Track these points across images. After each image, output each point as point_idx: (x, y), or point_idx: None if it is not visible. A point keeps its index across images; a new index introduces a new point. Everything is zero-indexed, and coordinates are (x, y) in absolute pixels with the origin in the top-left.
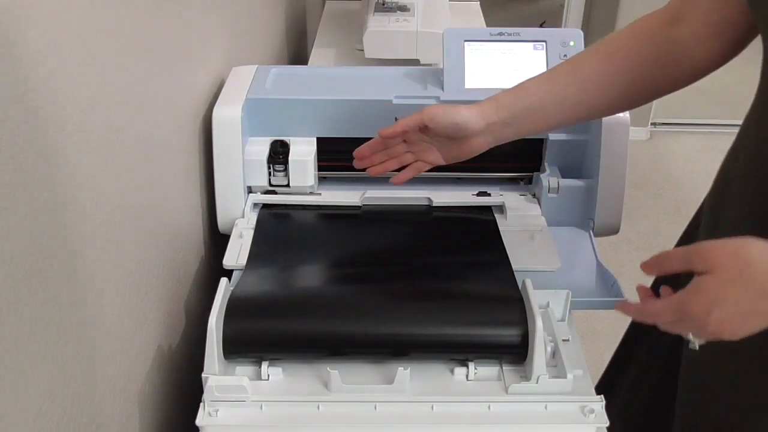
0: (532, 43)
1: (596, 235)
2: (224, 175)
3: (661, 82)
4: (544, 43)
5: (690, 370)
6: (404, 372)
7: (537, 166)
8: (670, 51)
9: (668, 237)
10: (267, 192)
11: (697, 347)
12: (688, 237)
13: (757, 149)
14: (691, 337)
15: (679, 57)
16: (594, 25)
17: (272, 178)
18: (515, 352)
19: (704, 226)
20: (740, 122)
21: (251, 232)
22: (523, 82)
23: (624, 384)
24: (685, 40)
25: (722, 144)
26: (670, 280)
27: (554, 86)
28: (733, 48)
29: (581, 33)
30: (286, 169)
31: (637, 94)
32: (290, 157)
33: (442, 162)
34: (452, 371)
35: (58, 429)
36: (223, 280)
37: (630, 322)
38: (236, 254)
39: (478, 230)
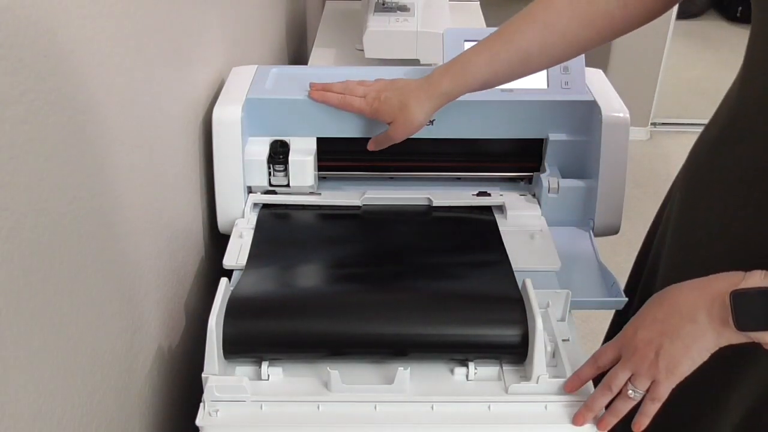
0: None
1: (596, 235)
2: (224, 175)
3: (597, 40)
4: None
5: None
6: (404, 372)
7: (537, 166)
8: (604, 15)
9: None
10: (267, 192)
11: (639, 394)
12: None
13: (735, 115)
14: (632, 391)
15: (612, 18)
16: None
17: (272, 178)
18: (515, 352)
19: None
20: None
21: (251, 232)
22: (463, 62)
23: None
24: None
25: None
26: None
27: (496, 64)
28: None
29: None
30: (286, 169)
31: (575, 52)
32: (290, 157)
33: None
34: (452, 371)
35: (58, 429)
36: (223, 280)
37: (610, 323)
38: (236, 254)
39: (478, 230)
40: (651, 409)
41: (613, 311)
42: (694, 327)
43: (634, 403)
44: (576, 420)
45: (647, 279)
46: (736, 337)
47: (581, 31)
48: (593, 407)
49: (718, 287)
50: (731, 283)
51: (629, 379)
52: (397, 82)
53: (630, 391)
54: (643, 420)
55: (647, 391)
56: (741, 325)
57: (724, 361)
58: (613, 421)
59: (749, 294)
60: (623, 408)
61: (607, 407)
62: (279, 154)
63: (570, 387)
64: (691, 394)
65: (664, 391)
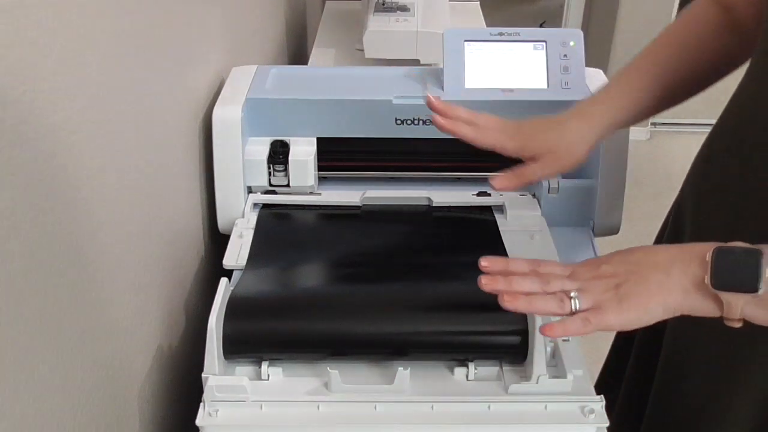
0: (532, 43)
1: (596, 235)
2: (224, 175)
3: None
4: (544, 43)
5: (669, 349)
6: (404, 372)
7: None
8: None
9: None
10: (267, 192)
11: (577, 307)
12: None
13: (748, 122)
14: (575, 299)
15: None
16: (594, 25)
17: (272, 178)
18: (515, 352)
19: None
20: None
21: (251, 232)
22: (622, 87)
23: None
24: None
25: None
26: None
27: (661, 84)
28: None
29: (581, 33)
30: (286, 169)
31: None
32: (290, 157)
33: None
34: (452, 371)
35: (58, 429)
36: (223, 280)
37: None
38: (236, 254)
39: (478, 230)
40: (574, 328)
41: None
42: (664, 278)
43: (558, 312)
44: (483, 280)
45: None
46: (703, 303)
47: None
48: (513, 284)
49: (701, 248)
50: (719, 244)
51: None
52: (542, 119)
53: (572, 295)
54: (558, 330)
55: (581, 312)
56: (717, 283)
57: (726, 363)
58: (522, 306)
59: (733, 251)
60: (546, 306)
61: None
62: (279, 154)
63: (491, 263)
64: (695, 399)
65: (599, 321)
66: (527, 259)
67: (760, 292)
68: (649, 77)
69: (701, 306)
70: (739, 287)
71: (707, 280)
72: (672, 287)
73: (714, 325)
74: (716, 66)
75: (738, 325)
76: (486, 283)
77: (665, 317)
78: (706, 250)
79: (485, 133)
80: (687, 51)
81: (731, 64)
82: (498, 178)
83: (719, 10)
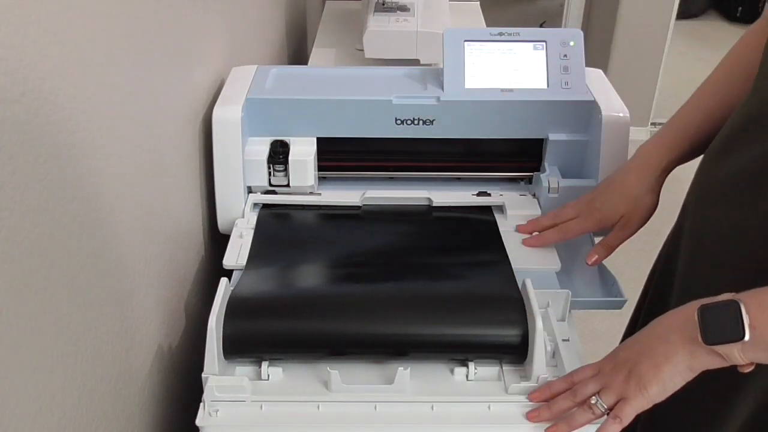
0: (532, 43)
1: (596, 235)
2: (224, 175)
3: None
4: (544, 43)
5: None
6: (404, 372)
7: (537, 166)
8: None
9: None
10: (267, 192)
11: (604, 407)
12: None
13: (747, 119)
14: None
15: None
16: (594, 25)
17: (272, 178)
18: (515, 352)
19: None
20: None
21: (251, 232)
22: (676, 128)
23: None
24: None
25: None
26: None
27: (711, 121)
28: None
29: (581, 33)
30: (286, 169)
31: None
32: (290, 157)
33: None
34: (452, 371)
35: (58, 429)
36: (223, 280)
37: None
38: (236, 254)
39: (478, 230)
40: (611, 429)
41: (613, 311)
42: (666, 347)
43: (593, 418)
44: (530, 415)
45: (659, 281)
46: (709, 358)
47: None
48: (553, 408)
49: (690, 309)
50: (702, 302)
51: (598, 393)
52: (605, 183)
53: (593, 400)
54: None
55: (611, 409)
56: (707, 339)
57: (721, 375)
58: (564, 429)
59: (715, 306)
60: (581, 419)
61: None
62: (279, 154)
63: (537, 396)
64: (690, 408)
65: (629, 411)
66: (563, 377)
67: (747, 339)
68: (703, 113)
69: (708, 361)
70: (729, 339)
71: (700, 338)
72: (676, 352)
73: None
74: None
75: (749, 369)
76: (533, 417)
77: (685, 380)
78: (693, 310)
79: (568, 228)
80: (742, 79)
81: None
82: (589, 256)
83: None
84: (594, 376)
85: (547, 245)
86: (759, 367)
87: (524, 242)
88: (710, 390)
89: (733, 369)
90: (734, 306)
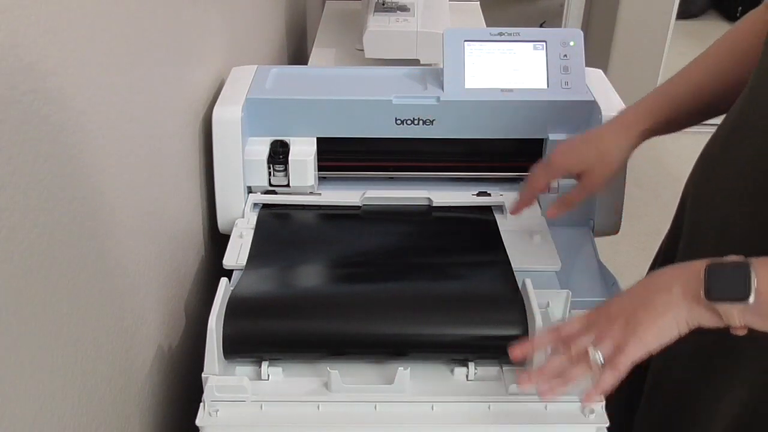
0: (532, 43)
1: (596, 234)
2: (224, 175)
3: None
4: (544, 43)
5: None
6: (404, 372)
7: None
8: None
9: None
10: (267, 192)
11: (601, 359)
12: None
13: (745, 114)
14: (594, 353)
15: None
16: (594, 25)
17: (272, 178)
18: None
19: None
20: None
21: (251, 232)
22: (663, 94)
23: None
24: None
25: None
26: None
27: (702, 95)
28: None
29: (581, 33)
30: (286, 169)
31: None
32: (290, 157)
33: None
34: (452, 371)
35: (58, 429)
36: (223, 280)
37: None
38: (236, 254)
39: (478, 230)
40: (608, 381)
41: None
42: (668, 297)
43: (589, 372)
44: (520, 379)
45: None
46: (707, 315)
47: None
48: (546, 369)
49: (697, 265)
50: (712, 260)
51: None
52: (582, 135)
53: (591, 352)
54: (597, 391)
55: (607, 360)
56: (710, 295)
57: (708, 371)
58: (560, 387)
59: (723, 266)
60: (576, 372)
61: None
62: (279, 154)
63: (519, 352)
64: (677, 406)
65: (625, 360)
66: (547, 329)
67: (751, 301)
68: (692, 83)
69: (705, 318)
70: (732, 298)
71: (702, 294)
72: (677, 303)
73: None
74: None
75: (742, 332)
76: (522, 383)
77: (681, 333)
78: (700, 267)
79: (533, 178)
80: (735, 59)
81: None
82: (550, 210)
83: None
84: (587, 327)
85: (525, 206)
86: (748, 356)
87: (511, 212)
88: (704, 375)
89: (725, 355)
90: (744, 268)
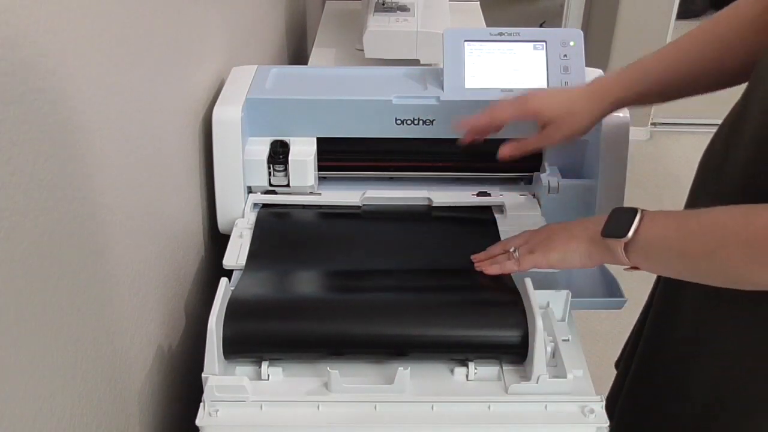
0: (532, 43)
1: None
2: (224, 175)
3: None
4: (544, 43)
5: (661, 296)
6: (404, 372)
7: (537, 166)
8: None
9: None
10: (267, 192)
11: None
12: None
13: (742, 113)
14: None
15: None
16: (594, 25)
17: (272, 178)
18: (515, 352)
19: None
20: None
21: (251, 232)
22: (637, 69)
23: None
24: None
25: None
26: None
27: (674, 72)
28: None
29: (581, 33)
30: (286, 169)
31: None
32: (290, 157)
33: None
34: (452, 371)
35: (58, 429)
36: (223, 280)
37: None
38: (236, 254)
39: (478, 230)
40: (506, 266)
41: (612, 311)
42: (580, 230)
43: (510, 263)
44: (475, 259)
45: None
46: (601, 249)
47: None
48: (489, 251)
49: (606, 214)
50: (616, 207)
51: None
52: (557, 88)
53: (512, 249)
54: (494, 268)
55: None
56: (603, 231)
57: (671, 371)
58: (487, 265)
59: (622, 210)
60: (501, 260)
61: None
62: (279, 154)
63: (477, 257)
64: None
65: (528, 260)
66: (499, 243)
67: (629, 236)
68: (669, 61)
69: (601, 252)
70: (614, 234)
71: (599, 231)
72: (580, 236)
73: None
74: (744, 64)
75: (631, 270)
76: (477, 265)
77: (582, 264)
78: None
79: (496, 107)
80: (716, 43)
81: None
82: (502, 148)
83: (763, 9)
84: (520, 238)
85: (477, 134)
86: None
87: (454, 127)
88: (664, 389)
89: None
90: (633, 212)
